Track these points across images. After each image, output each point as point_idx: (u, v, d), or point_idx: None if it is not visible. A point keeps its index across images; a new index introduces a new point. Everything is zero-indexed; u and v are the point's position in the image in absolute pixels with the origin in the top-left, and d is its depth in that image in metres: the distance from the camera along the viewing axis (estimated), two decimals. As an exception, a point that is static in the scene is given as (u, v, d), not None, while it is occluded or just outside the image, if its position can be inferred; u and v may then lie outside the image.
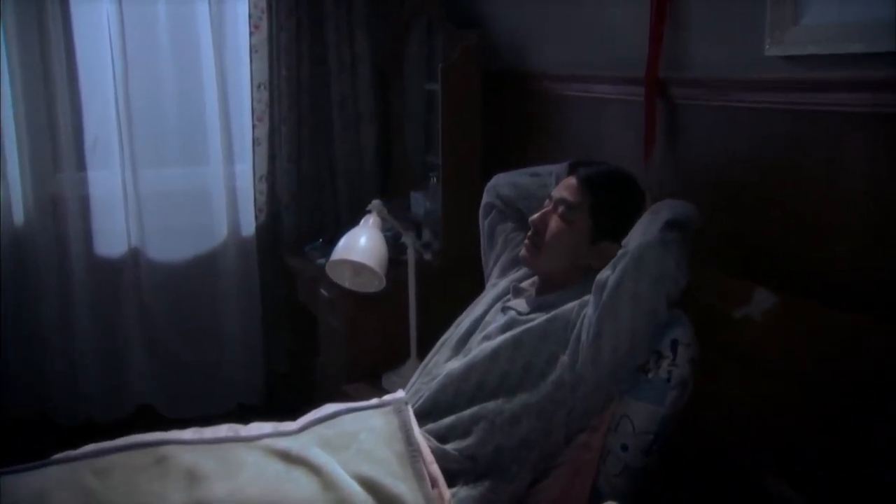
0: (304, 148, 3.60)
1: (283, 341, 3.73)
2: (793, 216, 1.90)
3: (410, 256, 2.76)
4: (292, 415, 2.04)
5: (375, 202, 2.61)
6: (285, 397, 3.65)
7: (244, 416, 3.67)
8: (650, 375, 1.85)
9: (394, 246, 2.99)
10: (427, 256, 2.87)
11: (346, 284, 2.60)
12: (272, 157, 3.55)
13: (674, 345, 1.83)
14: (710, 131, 2.12)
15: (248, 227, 3.59)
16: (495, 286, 2.27)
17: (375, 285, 2.56)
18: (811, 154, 1.85)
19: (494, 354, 1.97)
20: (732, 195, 2.07)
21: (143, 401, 3.53)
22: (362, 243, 2.49)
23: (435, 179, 3.11)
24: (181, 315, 3.56)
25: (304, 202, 3.64)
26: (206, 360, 3.62)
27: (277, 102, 3.50)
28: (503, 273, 2.31)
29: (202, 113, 3.46)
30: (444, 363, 2.11)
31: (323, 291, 3.07)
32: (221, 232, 3.55)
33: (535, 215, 2.07)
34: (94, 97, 3.29)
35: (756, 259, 2.00)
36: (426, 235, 3.26)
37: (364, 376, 2.93)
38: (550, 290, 2.07)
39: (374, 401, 2.05)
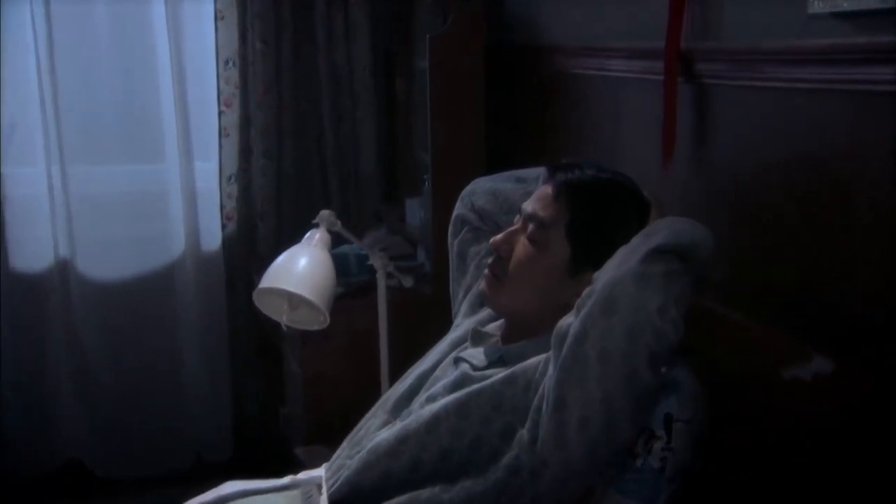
0: (285, 141, 3.54)
1: (255, 382, 3.66)
2: (849, 246, 1.72)
3: (381, 283, 2.61)
4: (261, 475, 2.03)
5: (324, 213, 2.43)
6: (257, 453, 3.60)
7: (203, 477, 3.57)
8: (639, 462, 1.66)
9: (370, 268, 2.83)
10: (407, 283, 2.69)
11: (283, 320, 2.44)
12: (245, 153, 3.51)
13: (668, 421, 1.64)
14: (743, 121, 1.97)
15: (213, 238, 3.55)
16: (458, 328, 2.11)
17: (319, 322, 2.39)
18: (874, 155, 1.64)
19: (433, 424, 1.79)
20: (766, 212, 1.92)
21: (72, 454, 3.45)
22: (301, 268, 2.33)
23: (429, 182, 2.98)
24: (123, 347, 3.49)
25: (285, 209, 3.58)
26: (156, 404, 3.54)
27: (251, 83, 3.45)
28: (473, 310, 2.15)
29: (153, 96, 3.40)
30: (375, 431, 1.95)
31: (284, 325, 2.91)
32: (178, 244, 3.50)
33: (498, 235, 1.89)
34: (11, 74, 3.21)
35: (796, 301, 1.83)
36: (421, 255, 3.11)
37: (325, 436, 2.76)
38: (517, 336, 1.89)
39: (285, 480, 1.97)
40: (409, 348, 2.44)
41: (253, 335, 3.60)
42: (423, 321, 2.63)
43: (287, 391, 3.20)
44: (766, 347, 1.78)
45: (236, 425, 3.65)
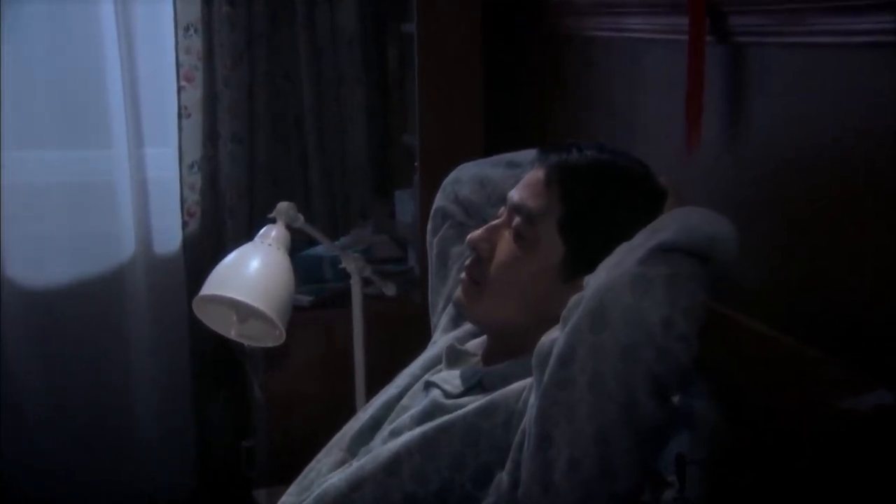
0: (258, 123, 3.56)
1: (221, 409, 3.67)
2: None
3: (355, 290, 2.59)
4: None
5: (282, 205, 2.38)
6: (222, 494, 3.62)
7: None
8: (647, 514, 1.65)
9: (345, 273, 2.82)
10: (388, 291, 2.66)
11: (231, 334, 2.40)
12: (210, 137, 3.53)
13: (680, 463, 1.58)
14: (788, 89, 1.90)
15: (171, 238, 3.56)
16: (435, 346, 2.10)
17: (274, 337, 2.35)
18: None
19: (393, 465, 1.74)
20: (815, 206, 1.86)
21: (-1, 499, 3.45)
22: (251, 272, 2.29)
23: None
24: (61, 368, 3.49)
25: (258, 203, 3.56)
26: (101, 437, 3.53)
27: (217, 54, 3.47)
28: (454, 324, 2.14)
29: (97, 69, 3.41)
30: (327, 473, 1.93)
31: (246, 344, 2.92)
32: (127, 245, 3.52)
33: (477, 231, 1.86)
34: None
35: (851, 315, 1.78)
36: (412, 257, 3.12)
37: (290, 474, 2.70)
38: (502, 355, 1.84)
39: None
40: (395, 368, 2.41)
41: (218, 353, 3.57)
42: (410, 335, 2.58)
43: (253, 421, 3.21)
44: (818, 376, 1.72)
45: (198, 461, 3.64)
